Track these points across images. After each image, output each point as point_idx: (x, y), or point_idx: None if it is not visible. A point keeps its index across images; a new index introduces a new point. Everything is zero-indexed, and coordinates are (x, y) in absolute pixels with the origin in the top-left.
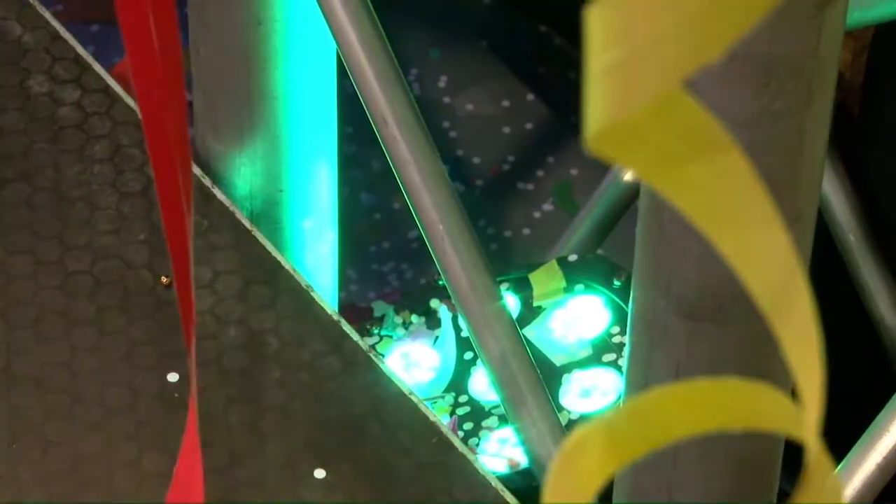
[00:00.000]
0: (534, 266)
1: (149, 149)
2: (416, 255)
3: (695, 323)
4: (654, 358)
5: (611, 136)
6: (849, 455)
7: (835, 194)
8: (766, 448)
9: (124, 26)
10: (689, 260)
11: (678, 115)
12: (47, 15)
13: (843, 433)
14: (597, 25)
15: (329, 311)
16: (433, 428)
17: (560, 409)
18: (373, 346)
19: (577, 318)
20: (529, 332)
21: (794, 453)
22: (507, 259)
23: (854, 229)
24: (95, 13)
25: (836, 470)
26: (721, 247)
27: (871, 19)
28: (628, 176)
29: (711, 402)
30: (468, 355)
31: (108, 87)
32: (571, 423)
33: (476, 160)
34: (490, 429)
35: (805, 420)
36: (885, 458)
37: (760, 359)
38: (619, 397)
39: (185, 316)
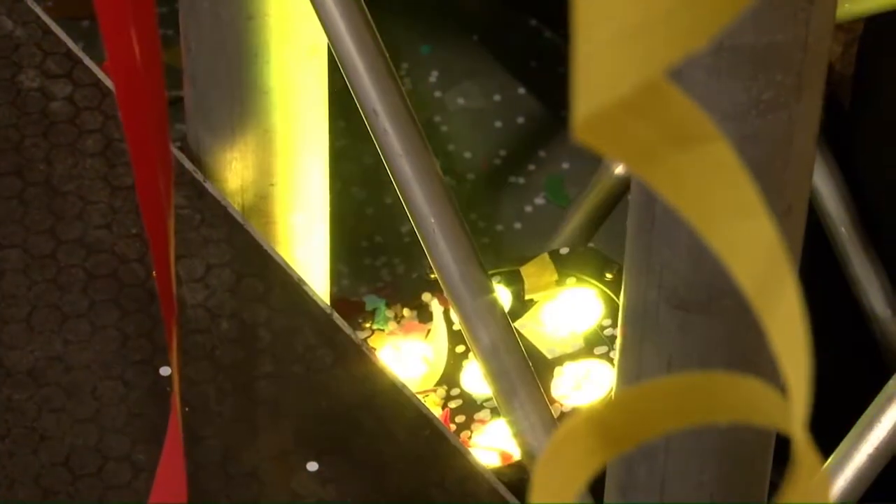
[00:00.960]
0: (525, 259)
1: (128, 144)
2: (408, 250)
3: (686, 314)
4: (646, 349)
5: (597, 125)
6: (840, 446)
7: (825, 187)
8: (757, 441)
9: (103, 22)
10: (681, 252)
11: (663, 106)
12: (38, 10)
13: (834, 424)
14: (584, 12)
15: (321, 304)
16: (425, 420)
17: (552, 401)
18: (365, 340)
19: (568, 310)
20: (521, 325)
21: (785, 446)
22: (499, 253)
23: (845, 222)
24: (85, 9)
25: (829, 461)
26: (707, 236)
27: (861, 11)
28: (619, 169)
29: (699, 395)
30: (460, 349)
31: (99, 81)
32: (563, 416)
33: (467, 154)
34: (482, 422)
35: (792, 412)
36: (876, 448)
37: (751, 350)
38: (611, 389)
39: (167, 311)
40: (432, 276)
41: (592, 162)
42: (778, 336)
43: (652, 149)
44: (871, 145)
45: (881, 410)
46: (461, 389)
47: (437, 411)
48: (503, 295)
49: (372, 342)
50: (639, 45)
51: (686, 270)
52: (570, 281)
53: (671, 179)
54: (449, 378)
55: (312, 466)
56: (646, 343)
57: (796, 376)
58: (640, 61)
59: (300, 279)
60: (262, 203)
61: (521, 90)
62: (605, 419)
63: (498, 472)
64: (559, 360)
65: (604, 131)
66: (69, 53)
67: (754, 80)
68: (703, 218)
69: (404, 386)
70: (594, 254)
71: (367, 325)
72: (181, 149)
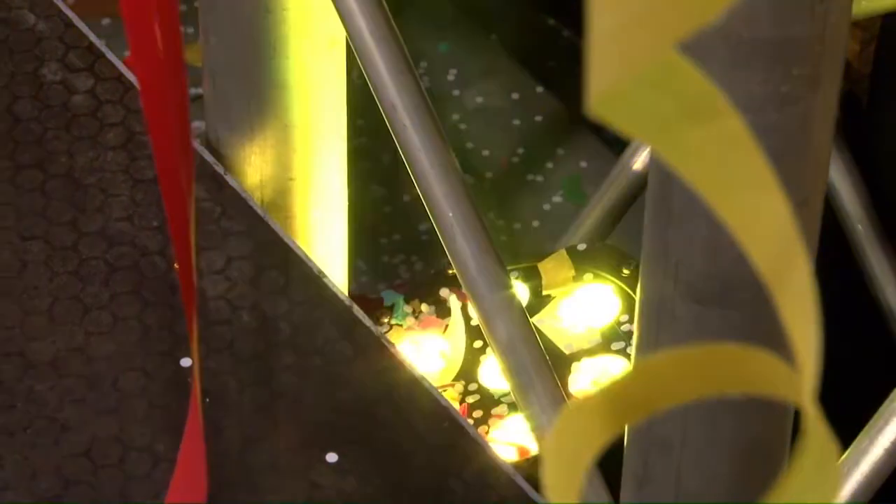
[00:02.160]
0: (543, 256)
1: (151, 137)
2: (426, 248)
3: (702, 307)
4: (662, 342)
5: (612, 101)
6: (857, 440)
7: (843, 185)
8: (774, 430)
9: (127, 18)
10: (697, 245)
11: (678, 81)
12: (60, 4)
13: (851, 420)
14: None
15: (341, 296)
16: (444, 412)
17: (569, 396)
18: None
19: (586, 306)
20: (539, 320)
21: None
22: (517, 250)
23: (862, 219)
24: (106, 7)
25: (845, 455)
26: (720, 211)
27: (878, 8)
28: (637, 166)
29: (711, 367)
30: (478, 344)
31: (121, 75)
32: None
33: (485, 153)
34: (500, 416)
35: (801, 384)
36: (892, 442)
37: (767, 343)
38: None
39: (187, 302)
40: (450, 271)
41: (610, 160)
42: (788, 309)
43: (666, 123)
44: (889, 143)
45: None
46: (479, 384)
47: (454, 406)
48: (521, 290)
49: (390, 337)
50: (652, 19)
51: (702, 264)
52: (588, 277)
53: (685, 154)
54: (467, 373)
55: (332, 458)
56: (662, 337)
57: (806, 349)
58: (654, 36)
59: (320, 272)
60: (280, 198)
61: (540, 89)
62: (614, 392)
63: (515, 467)
64: (576, 356)
65: (618, 106)
66: (91, 47)
67: (771, 73)
68: (716, 192)
69: (423, 378)
70: (611, 250)
71: (386, 320)
72: (201, 144)
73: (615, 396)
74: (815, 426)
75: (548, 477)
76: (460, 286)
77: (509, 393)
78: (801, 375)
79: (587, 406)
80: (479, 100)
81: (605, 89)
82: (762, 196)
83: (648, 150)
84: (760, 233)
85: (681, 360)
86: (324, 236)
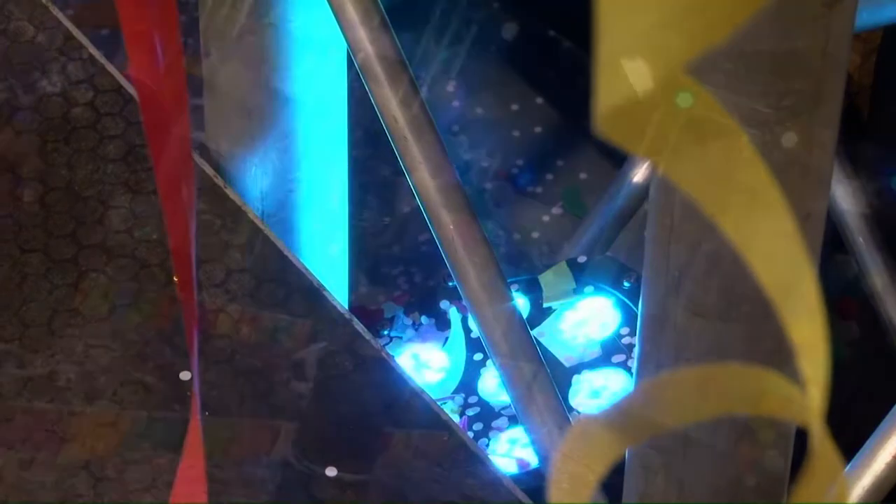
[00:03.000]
0: (543, 268)
1: (151, 150)
2: (425, 259)
3: (704, 320)
4: (663, 355)
5: (620, 120)
6: (860, 452)
7: (844, 197)
8: (776, 443)
9: (126, 30)
10: (699, 258)
11: (684, 101)
12: (60, 16)
13: (853, 433)
14: (607, 11)
15: (341, 309)
16: (445, 425)
17: (570, 409)
18: (383, 347)
19: (586, 319)
20: (539, 332)
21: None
22: (517, 262)
23: (863, 232)
24: (106, 18)
25: (848, 467)
26: (727, 230)
27: (879, 21)
28: (637, 178)
29: (717, 387)
30: (478, 356)
31: (120, 87)
32: None
33: (485, 164)
34: (500, 429)
35: (809, 405)
36: (894, 456)
37: (769, 356)
38: None
39: (188, 316)
40: (450, 282)
41: (610, 172)
42: (796, 329)
43: (672, 142)
44: (890, 155)
45: None
46: (479, 397)
47: (454, 418)
48: (521, 302)
49: (390, 349)
50: (659, 41)
51: (704, 277)
52: (588, 289)
53: (691, 173)
54: (467, 385)
55: (331, 471)
56: (663, 350)
57: (814, 369)
58: (660, 57)
59: (320, 285)
60: (280, 210)
61: (539, 100)
62: (622, 411)
63: (515, 479)
64: (577, 368)
65: (626, 125)
66: (91, 59)
67: (773, 87)
68: (722, 211)
69: (423, 392)
70: (612, 262)
71: (385, 332)
72: (201, 156)
73: (620, 418)
74: (823, 447)
75: (555, 499)
76: (460, 298)
77: (509, 405)
78: (808, 396)
79: (593, 427)
80: (479, 111)
81: (613, 109)
82: (768, 215)
83: (649, 162)
84: (767, 251)
85: (688, 379)
86: (324, 248)
